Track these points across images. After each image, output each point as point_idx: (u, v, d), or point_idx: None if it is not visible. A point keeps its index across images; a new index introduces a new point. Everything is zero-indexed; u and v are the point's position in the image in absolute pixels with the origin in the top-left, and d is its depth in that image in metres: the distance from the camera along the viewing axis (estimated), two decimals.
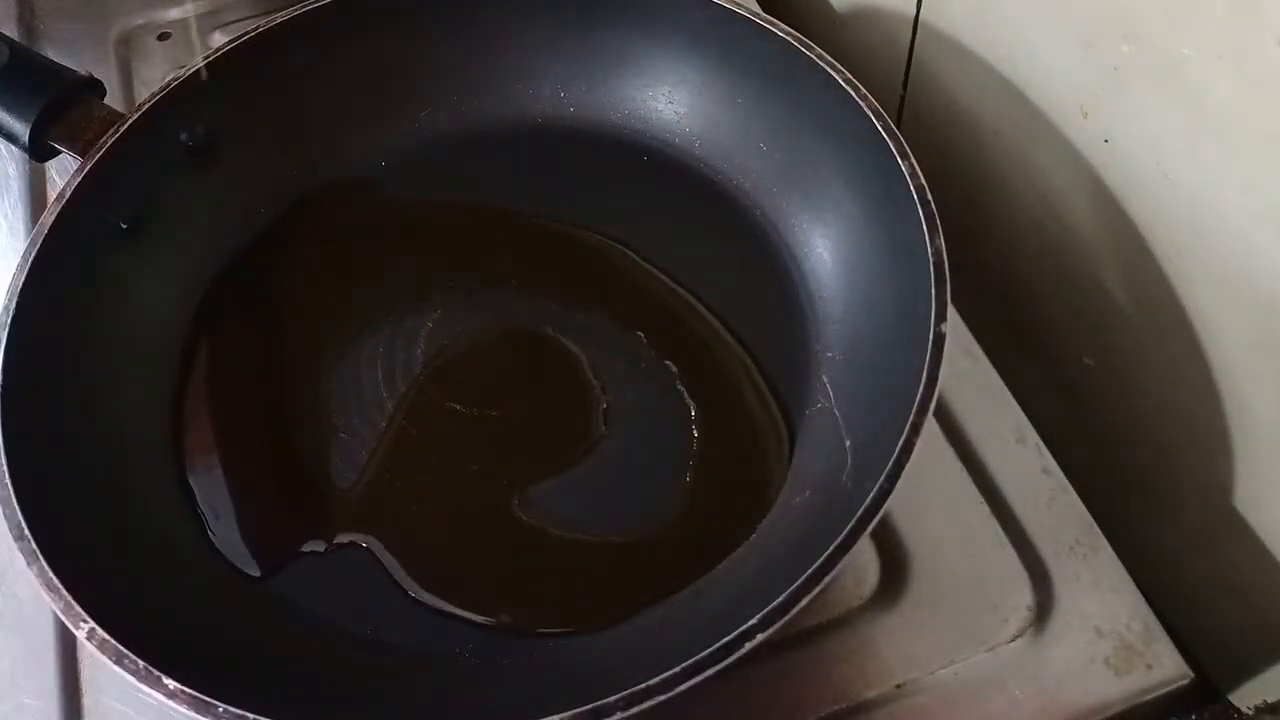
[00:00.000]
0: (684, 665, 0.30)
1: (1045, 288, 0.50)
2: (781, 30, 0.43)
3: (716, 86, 0.48)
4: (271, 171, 0.48)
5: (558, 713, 0.30)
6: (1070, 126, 0.43)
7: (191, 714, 0.31)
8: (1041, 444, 0.43)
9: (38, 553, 0.34)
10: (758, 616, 0.31)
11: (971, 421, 0.43)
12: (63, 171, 0.51)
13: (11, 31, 0.60)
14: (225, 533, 0.40)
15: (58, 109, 0.44)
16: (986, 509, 0.41)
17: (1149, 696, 0.37)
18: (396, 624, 0.38)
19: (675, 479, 0.41)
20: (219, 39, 0.59)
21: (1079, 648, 0.38)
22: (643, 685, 0.30)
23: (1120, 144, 0.41)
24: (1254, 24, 0.33)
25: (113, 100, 0.47)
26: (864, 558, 0.40)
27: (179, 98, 0.45)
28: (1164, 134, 0.38)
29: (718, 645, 0.30)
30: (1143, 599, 0.39)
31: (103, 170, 0.43)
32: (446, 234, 0.49)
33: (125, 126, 0.43)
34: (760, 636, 0.30)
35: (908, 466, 0.33)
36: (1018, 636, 0.38)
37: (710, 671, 0.30)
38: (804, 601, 0.31)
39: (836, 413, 0.40)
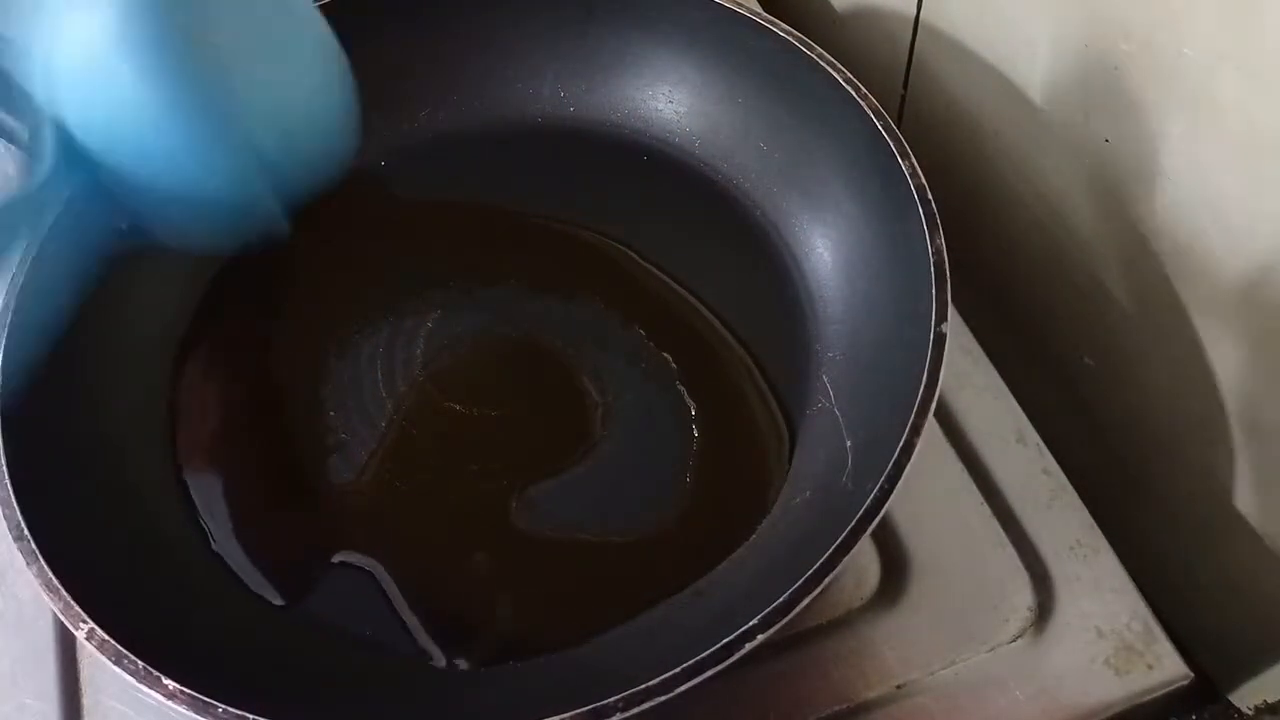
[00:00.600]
0: (684, 665, 0.30)
1: (1045, 288, 0.50)
2: (782, 30, 0.43)
3: (716, 86, 0.48)
4: None
5: (558, 713, 0.30)
6: (1070, 126, 0.43)
7: (191, 714, 0.31)
8: (1041, 444, 0.43)
9: (38, 553, 0.33)
10: (758, 617, 0.31)
11: (971, 421, 0.43)
12: None
13: None
14: (223, 533, 0.40)
15: None
16: (986, 509, 0.41)
17: (1149, 696, 0.37)
18: (396, 625, 0.38)
19: (675, 479, 0.41)
20: None
21: (1079, 648, 0.38)
22: (643, 685, 0.30)
23: (1120, 144, 0.41)
24: (1254, 24, 0.33)
25: None
26: (864, 558, 0.40)
27: None
28: (1164, 134, 0.38)
29: (718, 645, 0.30)
30: (1143, 599, 0.39)
31: None
32: (446, 234, 0.49)
33: None
34: (760, 637, 0.30)
35: (908, 467, 0.33)
36: (1018, 637, 0.38)
37: (710, 672, 0.30)
38: (804, 602, 0.31)
39: (836, 413, 0.40)
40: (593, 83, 0.49)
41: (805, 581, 0.31)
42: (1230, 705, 0.44)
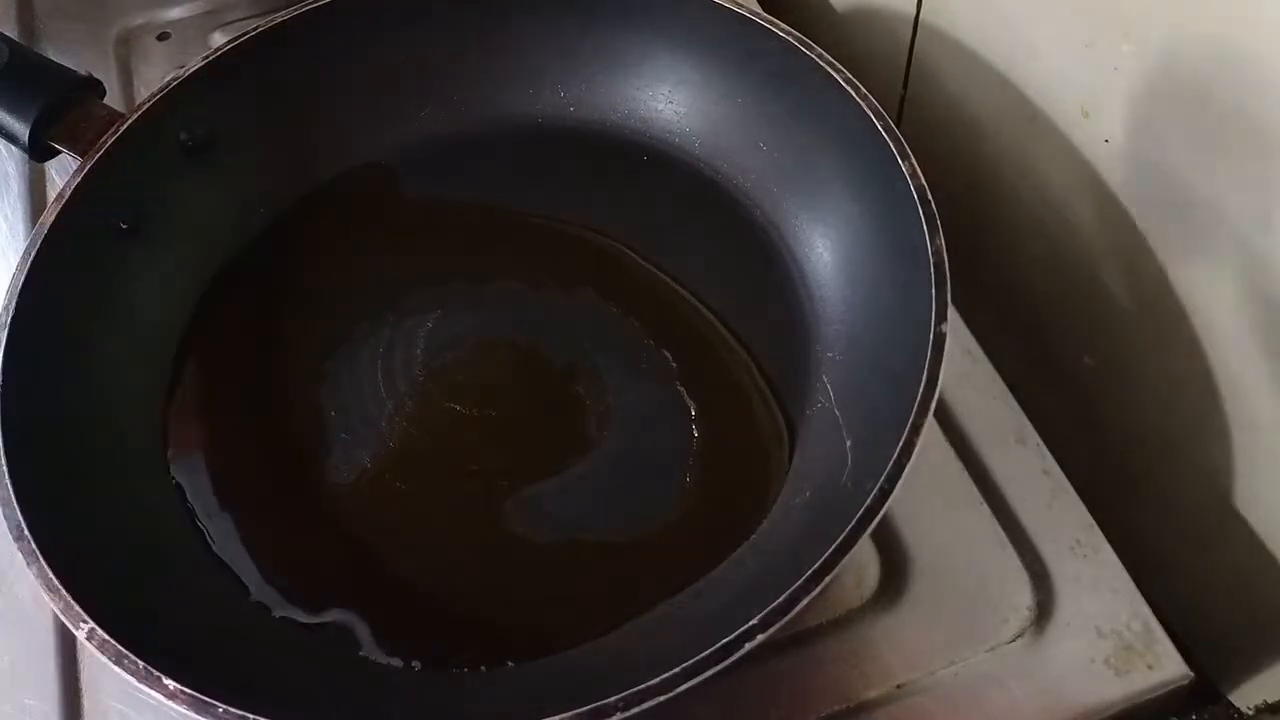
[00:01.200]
0: (684, 665, 0.30)
1: (1045, 288, 0.50)
2: (782, 30, 0.43)
3: (716, 86, 0.47)
4: (271, 171, 0.48)
5: (558, 713, 0.30)
6: (1070, 126, 0.43)
7: (191, 714, 0.31)
8: (1041, 444, 0.43)
9: (38, 553, 0.33)
10: (758, 617, 0.30)
11: (971, 421, 0.43)
12: (62, 171, 0.51)
13: (11, 31, 0.60)
14: (223, 534, 0.40)
15: (57, 109, 0.44)
16: (986, 509, 0.41)
17: (1149, 696, 0.37)
18: (396, 625, 0.38)
19: (675, 479, 0.41)
20: (219, 39, 0.59)
21: (1079, 648, 0.38)
22: (643, 685, 0.30)
23: (1120, 144, 0.41)
24: (1254, 24, 0.33)
25: (113, 100, 0.47)
26: (864, 558, 0.40)
27: (179, 98, 0.45)
28: (1164, 134, 0.38)
29: (718, 645, 0.30)
30: (1143, 599, 0.39)
31: (102, 170, 0.42)
32: (446, 234, 0.49)
33: (125, 126, 0.43)
34: (760, 637, 0.30)
35: (908, 467, 0.33)
36: (1018, 636, 0.38)
37: (710, 671, 0.30)
38: (804, 602, 0.31)
39: (836, 413, 0.40)
40: (593, 83, 0.49)
41: (805, 581, 0.31)
42: (1230, 705, 0.44)
